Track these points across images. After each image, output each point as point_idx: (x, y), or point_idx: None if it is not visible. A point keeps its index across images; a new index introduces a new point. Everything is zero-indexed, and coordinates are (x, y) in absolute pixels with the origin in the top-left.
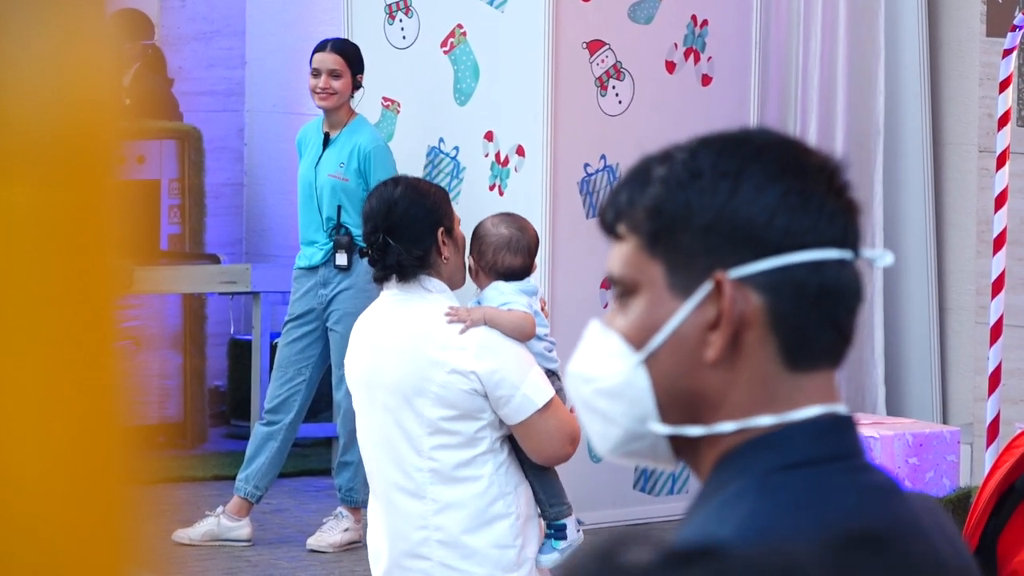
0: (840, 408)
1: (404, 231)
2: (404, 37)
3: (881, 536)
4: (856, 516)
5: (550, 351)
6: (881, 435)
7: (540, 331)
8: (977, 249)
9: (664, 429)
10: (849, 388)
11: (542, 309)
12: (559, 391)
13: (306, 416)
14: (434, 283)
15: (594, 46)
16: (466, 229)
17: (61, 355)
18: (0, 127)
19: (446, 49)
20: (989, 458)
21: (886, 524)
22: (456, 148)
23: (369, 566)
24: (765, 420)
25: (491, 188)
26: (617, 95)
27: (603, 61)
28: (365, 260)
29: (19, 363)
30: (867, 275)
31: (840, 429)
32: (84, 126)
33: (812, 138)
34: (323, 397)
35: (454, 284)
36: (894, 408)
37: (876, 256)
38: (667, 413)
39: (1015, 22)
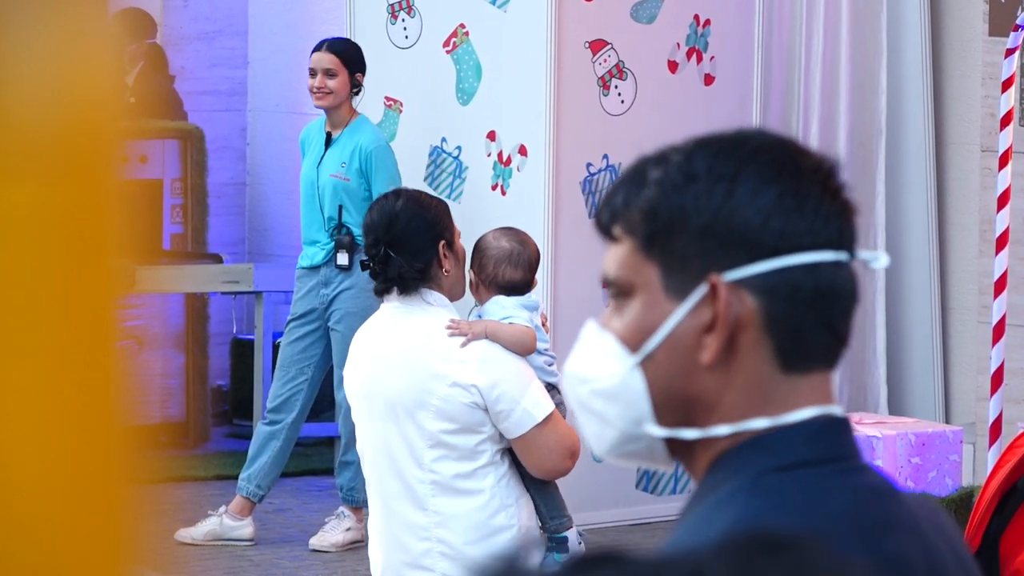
0: (835, 410)
1: (406, 244)
2: (406, 37)
3: (789, 543)
4: (845, 517)
5: (550, 365)
6: (883, 435)
7: (540, 345)
8: (979, 249)
9: (660, 432)
10: (851, 388)
11: (543, 324)
12: (559, 405)
13: (308, 416)
14: (435, 296)
15: (596, 46)
16: (468, 230)
17: (63, 355)
18: (1, 126)
19: (448, 49)
20: (991, 458)
21: (812, 528)
22: (458, 148)
23: (371, 566)
24: (760, 423)
25: (493, 188)
26: (619, 95)
27: (605, 61)
28: None
29: (20, 363)
30: (869, 274)
31: (835, 431)
32: (86, 125)
33: (814, 137)
34: (325, 397)
35: (454, 297)
36: (896, 408)
37: (871, 257)
38: (662, 415)
39: (1018, 21)
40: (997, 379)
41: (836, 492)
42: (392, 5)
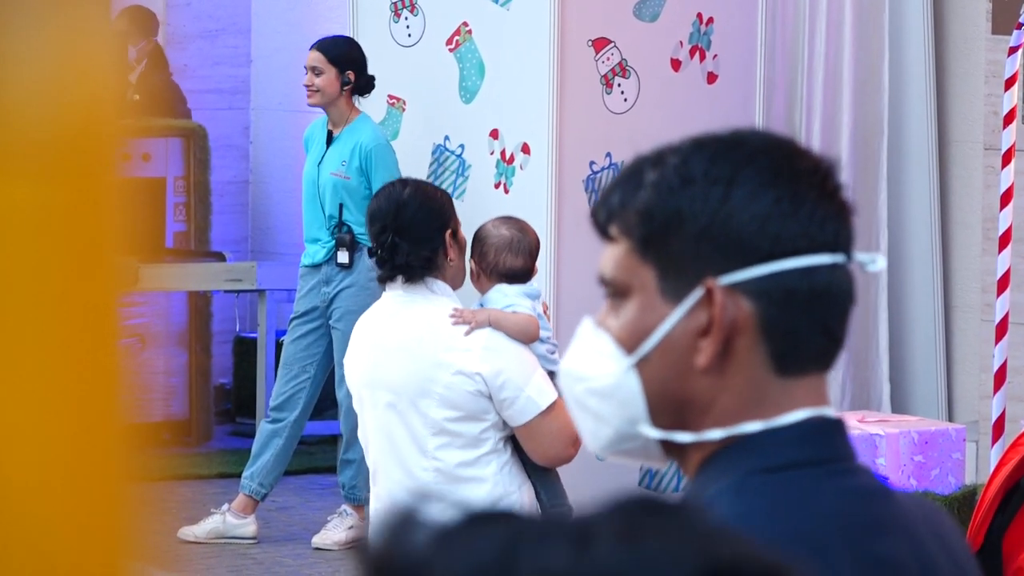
0: (828, 411)
1: (413, 232)
2: (410, 35)
3: (675, 506)
4: (832, 519)
5: (552, 353)
6: (886, 433)
7: (543, 334)
8: (982, 247)
9: (655, 433)
10: (854, 386)
11: (544, 312)
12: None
13: (311, 414)
14: (439, 285)
15: (599, 44)
16: (471, 228)
17: (65, 353)
18: (3, 124)
19: (451, 47)
20: (994, 456)
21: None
22: (461, 146)
23: None
24: (752, 426)
25: (496, 186)
26: (622, 93)
27: (608, 59)
28: (366, 258)
29: (22, 361)
30: (872, 273)
31: (826, 432)
32: (87, 123)
33: (817, 136)
34: (328, 395)
35: (455, 286)
36: (899, 406)
37: (868, 260)
38: (657, 416)
39: (1021, 19)
40: (1000, 377)
41: (824, 494)
42: (395, 3)
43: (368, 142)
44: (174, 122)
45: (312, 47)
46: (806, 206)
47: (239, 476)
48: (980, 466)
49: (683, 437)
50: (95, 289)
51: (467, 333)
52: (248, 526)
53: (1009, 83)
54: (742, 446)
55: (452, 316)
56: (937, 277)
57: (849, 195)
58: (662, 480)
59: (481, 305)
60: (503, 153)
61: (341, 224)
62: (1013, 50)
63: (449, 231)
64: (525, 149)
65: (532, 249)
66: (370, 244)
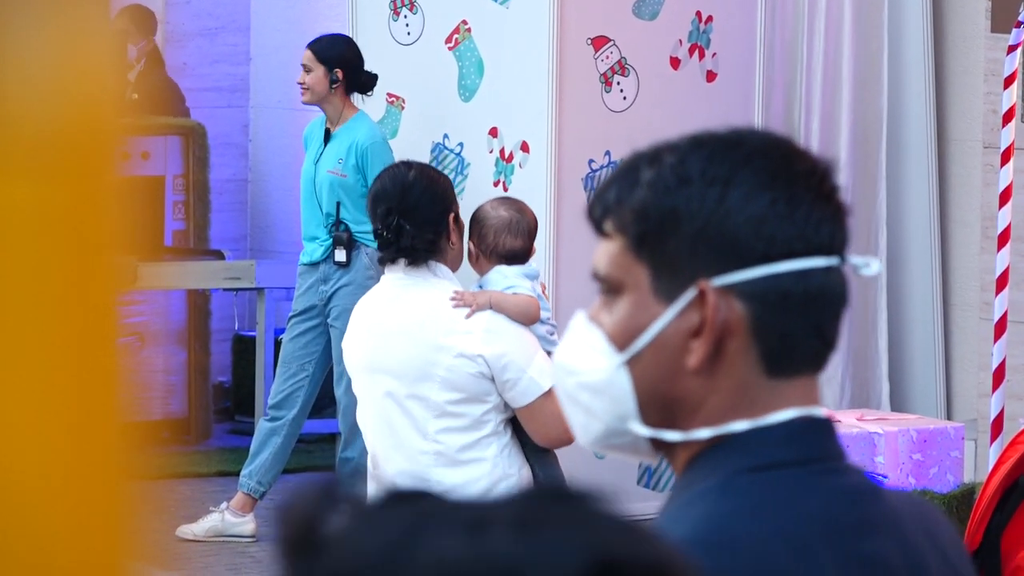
0: (817, 411)
1: (419, 214)
2: (409, 33)
3: (578, 494)
4: (817, 519)
5: (552, 334)
6: (885, 431)
7: (542, 315)
8: (981, 245)
9: (644, 431)
10: (854, 384)
11: (543, 292)
12: None
13: (310, 412)
14: (442, 268)
15: (599, 42)
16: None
17: (64, 351)
18: (2, 123)
19: (451, 45)
20: (993, 454)
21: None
22: (460, 144)
23: None
24: (740, 425)
25: (495, 184)
26: (622, 91)
27: (608, 57)
28: (364, 257)
29: (21, 360)
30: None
31: (815, 432)
32: (87, 122)
33: (816, 134)
34: (327, 393)
35: (453, 269)
36: (898, 404)
37: (862, 263)
38: (646, 413)
39: (1020, 18)
40: (999, 375)
41: (810, 493)
42: (394, 1)
43: (364, 140)
44: (173, 120)
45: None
46: (802, 208)
47: (238, 474)
48: (979, 464)
49: (672, 436)
50: (94, 288)
51: (468, 316)
52: (247, 524)
53: (1008, 81)
54: (729, 445)
55: (453, 299)
56: (936, 275)
57: (847, 195)
58: (661, 477)
59: (480, 287)
60: (502, 151)
61: (338, 222)
62: (1012, 48)
63: (452, 214)
64: (524, 147)
65: (531, 229)
66: (367, 243)
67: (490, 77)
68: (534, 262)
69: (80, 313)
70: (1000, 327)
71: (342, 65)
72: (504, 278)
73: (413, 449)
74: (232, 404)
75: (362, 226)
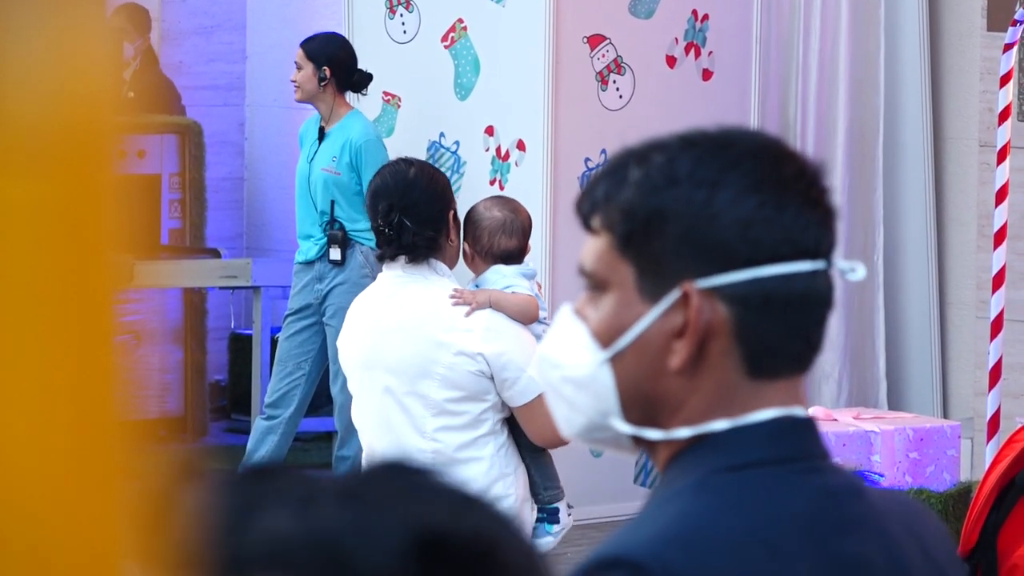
0: (798, 411)
1: (420, 211)
2: (405, 31)
3: (423, 469)
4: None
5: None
6: (882, 430)
7: (540, 314)
8: (977, 244)
9: (625, 428)
10: (851, 383)
11: (539, 291)
12: None
13: (307, 410)
14: (440, 266)
15: (595, 40)
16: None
17: (60, 350)
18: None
19: (447, 43)
20: (989, 453)
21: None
22: (456, 143)
23: None
24: (720, 424)
25: (492, 183)
26: (618, 90)
27: (604, 56)
28: (359, 255)
29: (17, 358)
30: (869, 270)
31: (795, 431)
32: (83, 120)
33: (812, 133)
34: (324, 391)
35: (452, 266)
36: (894, 402)
37: (847, 268)
38: (628, 411)
39: (1016, 17)
40: (995, 374)
41: (789, 492)
42: (390, 0)
43: (358, 138)
44: (169, 119)
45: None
46: (789, 212)
47: None
48: (975, 463)
49: (652, 435)
50: (91, 286)
51: (468, 314)
52: None
53: (1004, 80)
54: (709, 444)
55: (452, 297)
56: (932, 274)
57: (843, 194)
58: (656, 478)
59: (477, 286)
60: (498, 150)
61: (333, 220)
62: (1008, 47)
63: (452, 212)
64: (520, 146)
65: (525, 229)
66: (362, 241)
67: (486, 75)
68: (530, 261)
69: (76, 311)
70: (996, 325)
71: (331, 63)
72: (503, 277)
73: (411, 447)
74: (228, 402)
75: (357, 224)
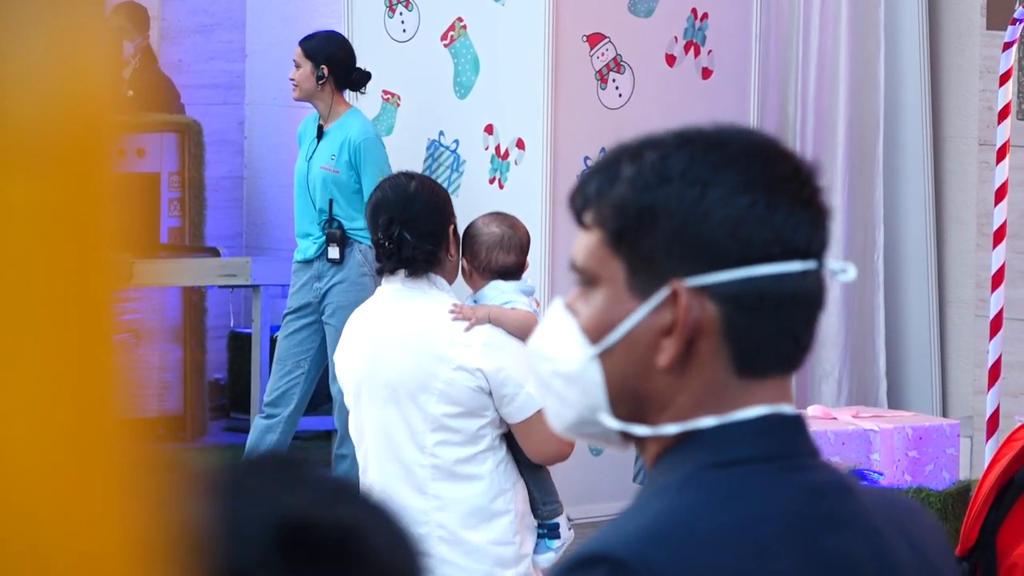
0: (786, 409)
1: (421, 225)
2: (404, 30)
3: (296, 458)
4: (780, 515)
5: None
6: (881, 428)
7: None
8: (977, 243)
9: (613, 424)
10: (852, 381)
11: (536, 308)
12: None
13: (306, 409)
14: (439, 280)
15: (594, 39)
16: (465, 222)
17: (59, 349)
18: None
19: (446, 42)
20: (989, 451)
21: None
22: (456, 141)
23: None
24: (708, 421)
25: (491, 181)
26: (617, 88)
27: (603, 54)
28: (357, 254)
29: (16, 357)
30: (869, 269)
31: (783, 428)
32: (83, 119)
33: (811, 131)
34: (323, 390)
35: (451, 281)
36: (894, 401)
37: (839, 268)
38: (617, 406)
39: (1015, 15)
40: (995, 373)
41: (776, 489)
42: None
43: (357, 136)
44: (168, 117)
45: None
46: (780, 212)
47: None
48: (974, 462)
49: (640, 431)
50: (90, 285)
51: (467, 329)
52: None
53: (1004, 78)
54: (696, 441)
55: (452, 311)
56: (931, 273)
57: (843, 193)
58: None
59: (475, 302)
60: (497, 148)
61: (331, 219)
62: (1008, 45)
63: (452, 226)
64: (520, 144)
65: (523, 245)
66: (360, 239)
67: (486, 74)
68: (528, 277)
69: (76, 310)
70: (996, 324)
71: (329, 62)
72: (501, 293)
73: (410, 461)
74: (228, 401)
75: (355, 223)
